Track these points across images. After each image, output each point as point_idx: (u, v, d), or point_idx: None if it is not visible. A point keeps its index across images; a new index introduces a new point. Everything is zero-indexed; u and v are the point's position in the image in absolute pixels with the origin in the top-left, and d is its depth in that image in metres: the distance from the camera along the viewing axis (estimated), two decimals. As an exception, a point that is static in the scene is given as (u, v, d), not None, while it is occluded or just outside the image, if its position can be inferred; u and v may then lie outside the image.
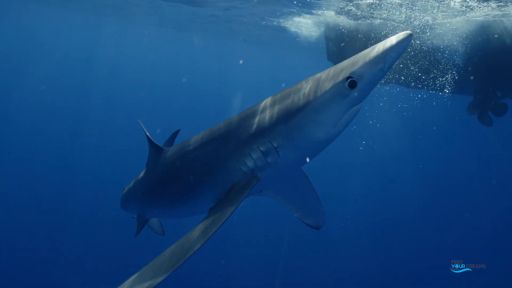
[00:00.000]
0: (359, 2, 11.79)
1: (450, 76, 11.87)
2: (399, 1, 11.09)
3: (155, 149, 4.33)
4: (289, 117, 2.96)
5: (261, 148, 3.06)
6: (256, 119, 3.17)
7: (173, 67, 61.57)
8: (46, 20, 38.60)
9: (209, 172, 3.45)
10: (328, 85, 2.84)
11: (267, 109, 3.16)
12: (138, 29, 33.22)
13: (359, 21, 13.75)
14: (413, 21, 12.53)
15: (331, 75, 2.90)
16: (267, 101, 3.26)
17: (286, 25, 18.30)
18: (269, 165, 3.12)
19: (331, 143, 3.13)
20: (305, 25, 17.36)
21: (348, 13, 13.24)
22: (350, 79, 2.74)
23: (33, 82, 41.40)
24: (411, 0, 10.88)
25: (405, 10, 11.83)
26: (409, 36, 2.69)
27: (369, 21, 13.52)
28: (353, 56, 2.86)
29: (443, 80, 12.00)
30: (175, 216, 4.74)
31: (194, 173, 3.63)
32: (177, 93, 52.39)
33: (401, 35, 2.69)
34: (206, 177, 3.48)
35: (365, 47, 2.97)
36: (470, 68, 11.65)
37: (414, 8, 11.45)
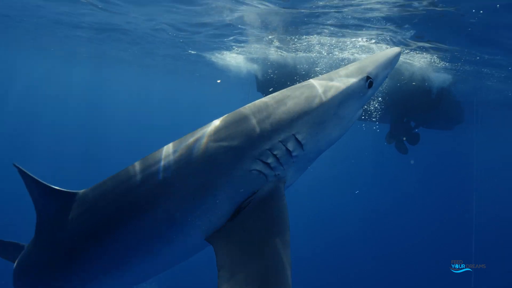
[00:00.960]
0: (281, 36, 12.12)
1: (374, 107, 12.49)
2: (316, 40, 11.57)
3: (64, 196, 3.08)
4: (312, 109, 2.87)
5: (285, 143, 2.80)
6: (273, 112, 2.86)
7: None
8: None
9: (205, 189, 2.73)
10: (349, 82, 2.97)
11: (283, 102, 2.92)
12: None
13: (283, 54, 14.21)
14: (335, 55, 13.15)
15: (346, 74, 3.03)
16: (279, 94, 3.02)
17: (214, 60, 18.43)
18: (294, 161, 2.88)
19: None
20: (232, 61, 17.58)
21: (272, 45, 13.64)
22: (369, 79, 2.98)
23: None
24: (336, 38, 11.39)
25: (326, 47, 12.40)
26: (400, 51, 3.19)
27: (292, 54, 13.99)
28: (360, 61, 3.12)
29: (369, 111, 12.60)
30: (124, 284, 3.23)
31: (175, 199, 2.75)
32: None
33: (396, 48, 3.15)
34: (201, 198, 2.73)
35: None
36: (387, 102, 12.37)
37: (338, 45, 12.00)
